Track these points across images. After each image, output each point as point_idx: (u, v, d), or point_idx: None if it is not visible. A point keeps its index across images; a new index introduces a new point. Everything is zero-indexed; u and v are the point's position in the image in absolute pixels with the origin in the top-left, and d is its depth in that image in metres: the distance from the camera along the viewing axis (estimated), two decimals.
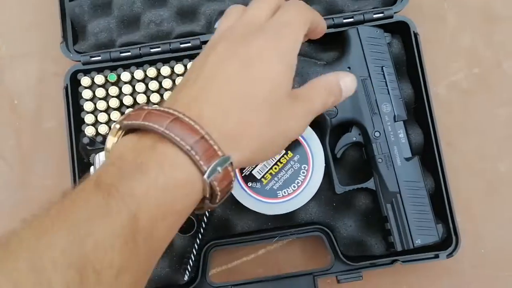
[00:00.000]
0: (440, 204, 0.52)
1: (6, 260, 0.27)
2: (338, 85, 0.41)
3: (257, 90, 0.36)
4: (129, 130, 0.35)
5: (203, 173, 0.32)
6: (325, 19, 0.52)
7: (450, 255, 0.51)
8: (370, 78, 0.50)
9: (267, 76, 0.36)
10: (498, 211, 0.56)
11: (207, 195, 0.33)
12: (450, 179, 0.52)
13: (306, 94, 0.40)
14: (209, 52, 0.38)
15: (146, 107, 0.34)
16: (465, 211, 0.55)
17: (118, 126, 0.35)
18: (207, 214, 0.52)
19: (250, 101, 0.35)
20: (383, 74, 0.50)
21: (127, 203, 0.29)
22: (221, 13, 0.55)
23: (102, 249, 0.28)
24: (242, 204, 0.50)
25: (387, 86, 0.50)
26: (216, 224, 0.53)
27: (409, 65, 0.55)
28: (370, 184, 0.51)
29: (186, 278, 0.51)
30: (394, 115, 0.50)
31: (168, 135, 0.31)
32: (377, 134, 0.50)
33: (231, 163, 0.33)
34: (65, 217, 0.29)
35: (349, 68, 0.50)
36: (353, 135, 0.51)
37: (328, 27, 0.53)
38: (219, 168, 0.32)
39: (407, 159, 0.50)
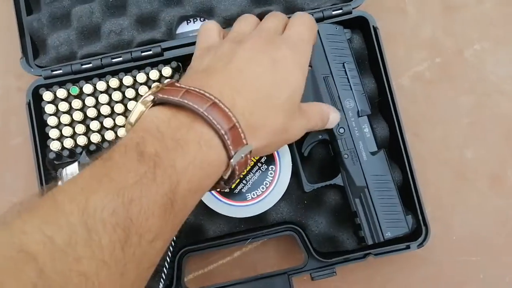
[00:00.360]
0: (408, 195, 0.52)
1: (57, 212, 0.29)
2: (328, 116, 0.48)
3: (280, 92, 0.40)
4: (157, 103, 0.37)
5: (230, 158, 0.35)
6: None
7: (420, 245, 0.52)
8: (332, 75, 0.50)
9: (289, 82, 0.41)
10: (466, 198, 0.57)
11: (226, 177, 0.36)
12: (418, 169, 0.53)
13: (307, 110, 0.45)
14: (236, 47, 0.41)
15: (178, 84, 0.37)
16: (434, 200, 0.56)
17: (151, 97, 0.36)
18: None
19: (274, 100, 0.39)
20: (345, 71, 0.51)
21: (170, 175, 0.32)
22: (181, 18, 0.56)
23: (144, 214, 0.30)
24: (213, 209, 0.51)
25: (349, 82, 0.51)
26: (188, 230, 0.53)
27: (371, 60, 0.56)
28: (338, 180, 0.51)
29: (161, 286, 0.51)
30: (358, 110, 0.51)
31: (207, 117, 0.34)
32: (341, 130, 0.50)
33: (251, 151, 0.37)
34: (112, 180, 0.30)
35: (310, 67, 0.50)
36: (319, 133, 0.51)
37: None
38: (242, 155, 0.36)
39: (373, 153, 0.51)
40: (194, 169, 0.33)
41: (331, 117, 0.48)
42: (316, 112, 0.47)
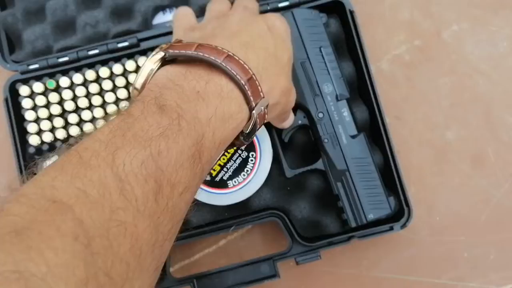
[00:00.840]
0: (390, 177, 0.52)
1: (85, 167, 0.27)
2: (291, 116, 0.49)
3: (283, 53, 0.40)
4: (165, 62, 0.35)
5: (251, 109, 0.34)
6: (260, 4, 0.53)
7: (404, 226, 0.52)
8: (309, 60, 0.50)
9: (287, 46, 0.41)
10: (449, 178, 0.57)
11: (247, 130, 0.36)
12: (401, 152, 0.53)
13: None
14: (224, 21, 0.40)
15: (186, 41, 0.36)
16: (418, 181, 0.56)
17: (162, 53, 0.35)
18: None
19: (279, 60, 0.39)
20: (322, 55, 0.51)
21: (195, 126, 0.31)
22: (156, 8, 0.55)
23: (174, 166, 0.29)
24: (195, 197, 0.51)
25: (326, 66, 0.51)
26: None
27: (348, 43, 0.56)
28: (319, 164, 0.51)
29: None
30: (336, 95, 0.51)
31: (226, 68, 0.33)
32: (320, 115, 0.50)
33: (267, 105, 0.36)
34: (136, 134, 0.29)
35: None
36: (298, 118, 0.51)
37: (264, 12, 0.53)
38: (262, 107, 0.35)
39: (353, 137, 0.51)
40: (217, 121, 0.32)
41: (291, 116, 0.49)
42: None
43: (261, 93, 0.35)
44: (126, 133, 0.29)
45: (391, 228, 0.52)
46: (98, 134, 0.30)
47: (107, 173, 0.27)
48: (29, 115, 0.52)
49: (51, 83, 0.52)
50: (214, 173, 0.50)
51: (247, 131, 0.36)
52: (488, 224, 0.57)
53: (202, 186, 0.50)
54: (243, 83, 0.34)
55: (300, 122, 0.51)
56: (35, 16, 0.55)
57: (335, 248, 0.53)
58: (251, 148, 0.50)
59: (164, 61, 0.35)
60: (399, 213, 0.52)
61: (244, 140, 0.37)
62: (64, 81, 0.52)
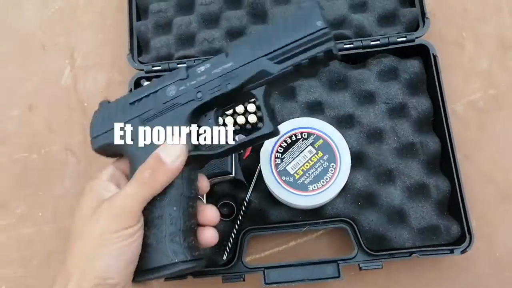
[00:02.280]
0: (455, 204, 0.57)
1: None
2: (159, 158, 0.43)
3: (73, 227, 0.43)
4: None
5: None
6: (354, 41, 0.62)
7: (464, 251, 0.56)
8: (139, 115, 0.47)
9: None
10: (511, 218, 0.61)
11: None
12: (468, 188, 0.58)
13: (114, 198, 0.42)
14: None
15: None
16: (481, 216, 0.60)
17: None
18: (246, 204, 0.59)
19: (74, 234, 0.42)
20: (134, 102, 0.49)
21: None
22: None
23: None
24: (276, 198, 0.57)
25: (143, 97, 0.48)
26: (253, 214, 0.60)
27: (429, 83, 0.62)
28: (258, 93, 0.44)
29: (224, 258, 0.58)
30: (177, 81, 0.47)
31: None
32: (199, 95, 0.46)
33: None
34: None
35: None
36: (208, 118, 0.46)
37: (357, 48, 0.62)
38: None
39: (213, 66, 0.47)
40: None
41: (164, 154, 0.43)
42: (132, 182, 0.42)
43: None
44: None
45: (451, 251, 0.56)
46: None
47: None
48: None
49: None
50: (297, 177, 0.57)
51: None
52: None
53: (285, 186, 0.57)
54: None
55: (210, 120, 0.46)
56: (163, 28, 0.66)
57: (395, 263, 0.58)
58: (332, 159, 0.57)
59: None
60: (460, 239, 0.56)
61: None
62: None
